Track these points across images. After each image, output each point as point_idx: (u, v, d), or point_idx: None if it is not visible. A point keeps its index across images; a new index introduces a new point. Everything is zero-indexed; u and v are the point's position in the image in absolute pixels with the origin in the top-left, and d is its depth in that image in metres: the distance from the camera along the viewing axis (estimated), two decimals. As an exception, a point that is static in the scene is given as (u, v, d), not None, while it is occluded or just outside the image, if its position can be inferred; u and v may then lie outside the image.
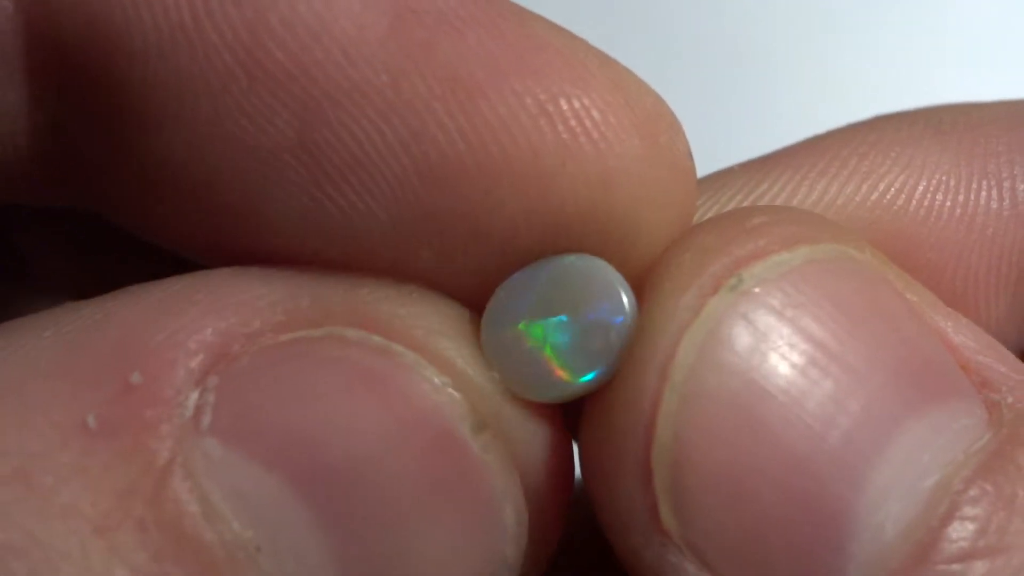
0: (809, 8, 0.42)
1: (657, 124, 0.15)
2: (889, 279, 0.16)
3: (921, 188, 0.18)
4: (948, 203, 0.18)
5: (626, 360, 0.15)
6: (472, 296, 0.16)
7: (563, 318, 0.15)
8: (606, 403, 0.15)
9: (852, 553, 0.14)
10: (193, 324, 0.14)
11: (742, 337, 0.14)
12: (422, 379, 0.14)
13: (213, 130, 0.14)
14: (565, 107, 0.14)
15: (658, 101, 0.15)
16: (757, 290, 0.14)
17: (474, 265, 0.15)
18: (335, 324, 0.14)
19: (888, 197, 0.18)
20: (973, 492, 0.14)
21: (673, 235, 0.16)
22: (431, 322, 0.15)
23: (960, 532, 0.14)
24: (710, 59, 0.41)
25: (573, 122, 0.14)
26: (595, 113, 0.14)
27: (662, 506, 0.14)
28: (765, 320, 0.14)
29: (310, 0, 0.14)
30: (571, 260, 0.15)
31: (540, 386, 0.15)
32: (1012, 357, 0.16)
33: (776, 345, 0.14)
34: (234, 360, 0.14)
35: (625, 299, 0.15)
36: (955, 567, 0.13)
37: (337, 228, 0.15)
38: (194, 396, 0.14)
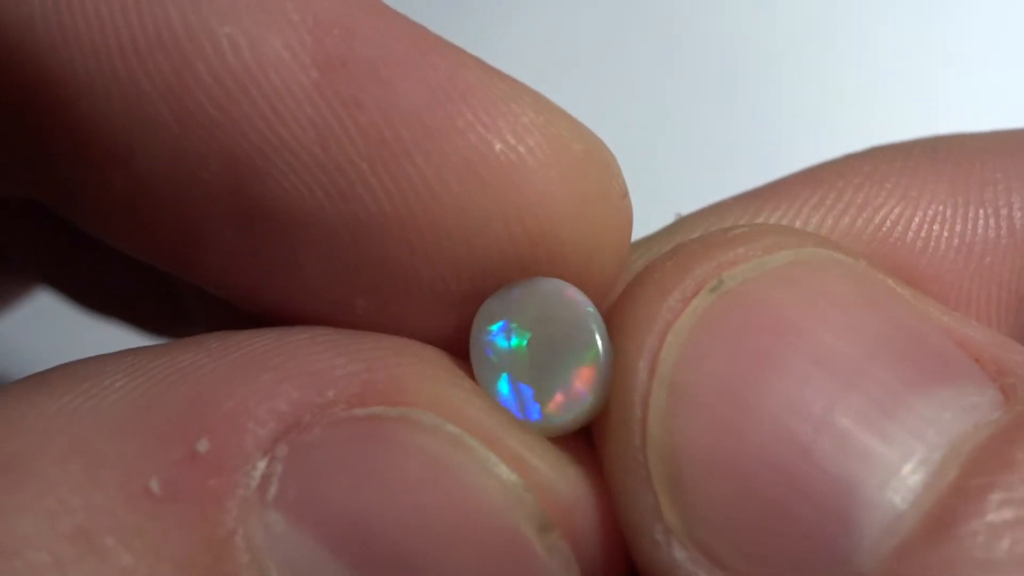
0: (814, 14, 0.42)
1: (587, 174, 0.15)
2: (881, 277, 0.15)
3: (918, 219, 0.18)
4: (945, 233, 0.18)
5: (616, 362, 0.15)
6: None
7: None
8: (605, 411, 0.15)
9: (863, 532, 0.13)
10: (266, 390, 0.14)
11: (724, 330, 0.14)
12: (492, 476, 0.14)
13: (150, 167, 0.15)
14: (492, 164, 0.14)
15: (589, 145, 0.15)
16: (738, 288, 0.14)
17: (412, 314, 0.15)
18: (411, 404, 0.14)
19: (885, 228, 0.18)
20: (988, 461, 0.13)
21: (607, 281, 0.16)
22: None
23: (980, 502, 0.13)
24: (715, 65, 0.41)
25: (499, 180, 0.15)
26: (521, 169, 0.15)
27: (663, 502, 0.14)
28: (745, 315, 0.14)
29: (237, 49, 0.14)
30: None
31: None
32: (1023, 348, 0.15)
33: (760, 336, 0.14)
34: (305, 430, 0.14)
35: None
36: (978, 539, 0.13)
37: (271, 270, 0.15)
38: (262, 465, 0.13)
